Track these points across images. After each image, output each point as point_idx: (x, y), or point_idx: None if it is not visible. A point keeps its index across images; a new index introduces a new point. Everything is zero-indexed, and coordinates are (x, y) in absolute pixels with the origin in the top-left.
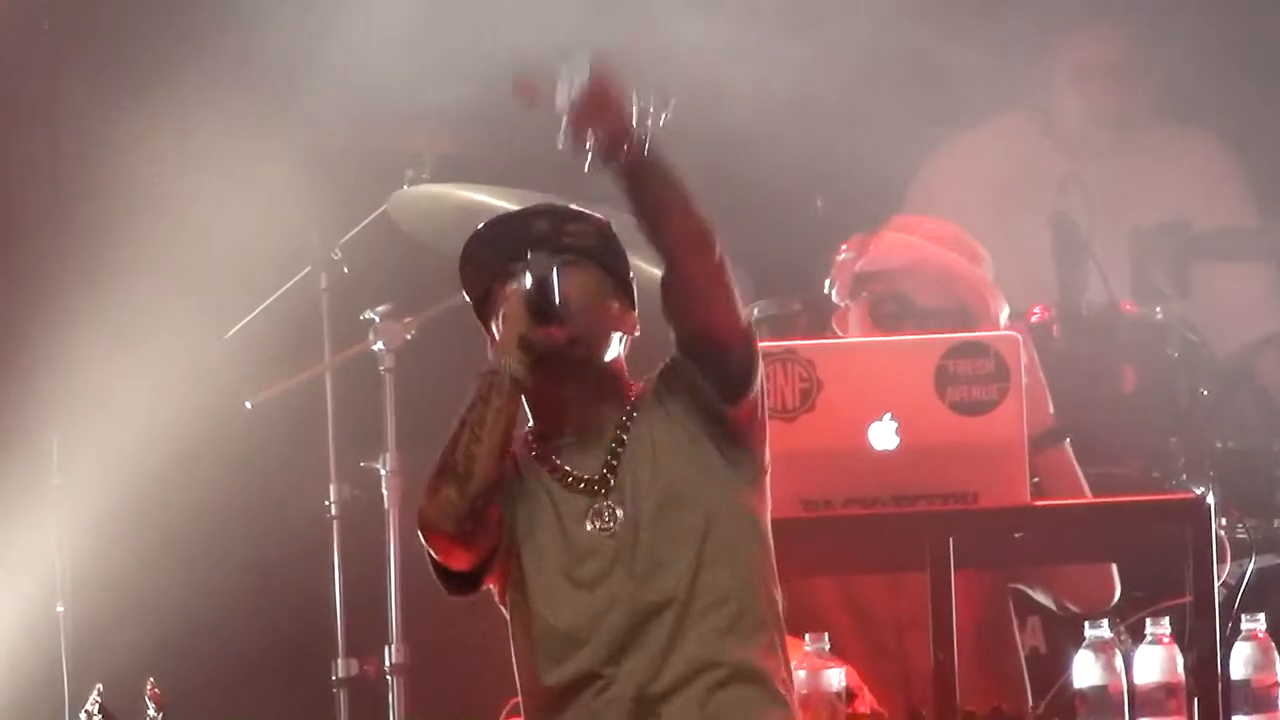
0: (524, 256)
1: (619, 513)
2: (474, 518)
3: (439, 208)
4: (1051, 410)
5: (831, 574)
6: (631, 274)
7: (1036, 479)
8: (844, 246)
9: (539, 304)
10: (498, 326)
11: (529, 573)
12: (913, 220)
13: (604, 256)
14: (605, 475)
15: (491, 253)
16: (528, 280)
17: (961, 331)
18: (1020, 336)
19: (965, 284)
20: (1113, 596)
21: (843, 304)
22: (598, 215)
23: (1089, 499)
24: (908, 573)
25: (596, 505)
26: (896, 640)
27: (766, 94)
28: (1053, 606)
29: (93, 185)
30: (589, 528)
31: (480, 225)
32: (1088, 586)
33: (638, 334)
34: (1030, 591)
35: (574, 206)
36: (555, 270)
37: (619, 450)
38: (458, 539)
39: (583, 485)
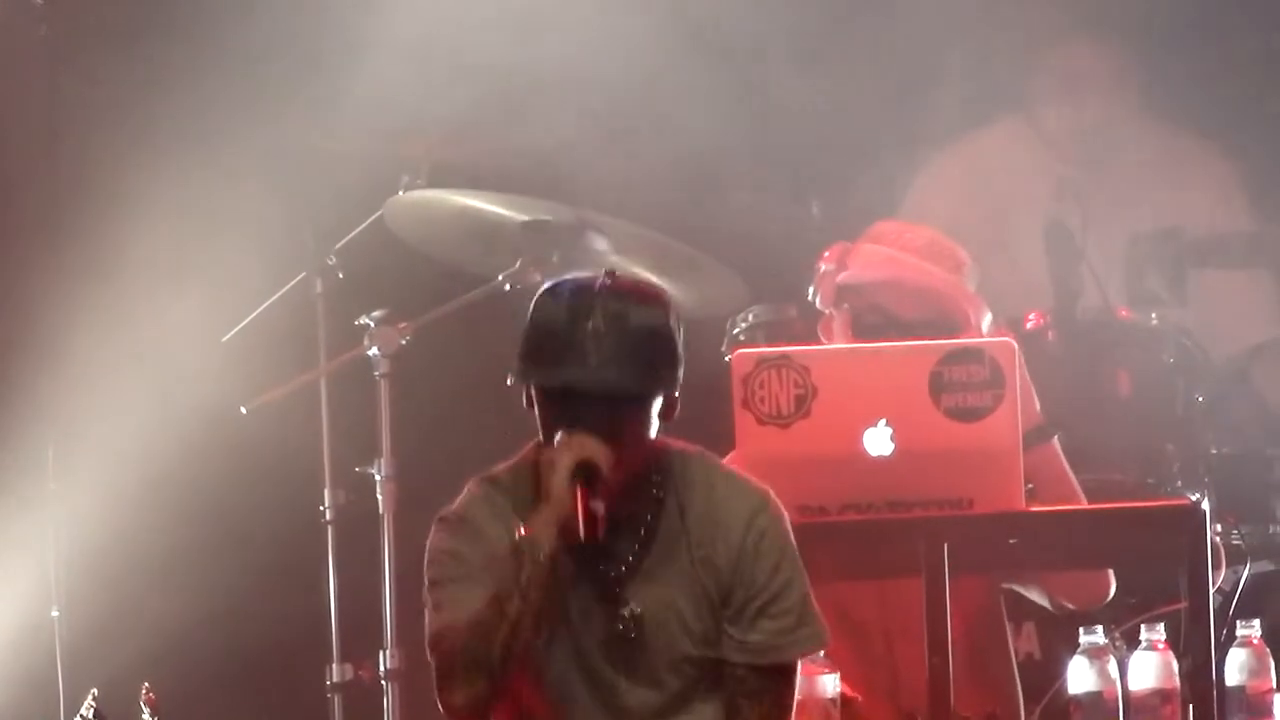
0: (575, 414)
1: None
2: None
3: (434, 213)
4: (1038, 408)
5: (827, 580)
6: (679, 357)
7: (1030, 485)
8: (825, 255)
9: (585, 516)
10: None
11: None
12: (892, 228)
13: (658, 377)
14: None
15: (547, 376)
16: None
17: (952, 338)
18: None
19: (943, 297)
20: (1107, 594)
21: (826, 311)
22: (658, 303)
23: (1082, 504)
24: (897, 581)
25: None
26: (886, 649)
27: (762, 98)
28: (1047, 605)
29: (90, 189)
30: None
31: (544, 319)
32: (1082, 584)
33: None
34: (1024, 591)
35: (636, 296)
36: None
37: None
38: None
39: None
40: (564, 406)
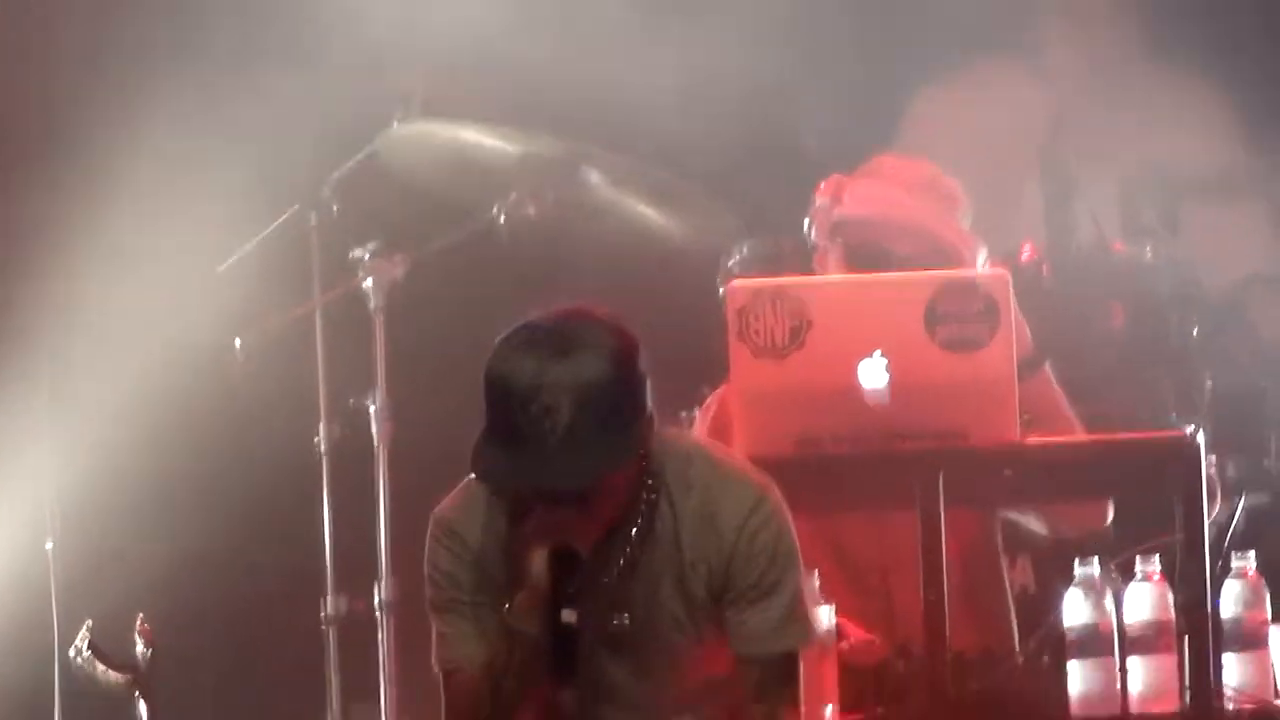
0: (542, 496)
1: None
2: None
3: (429, 146)
4: (1029, 340)
5: (821, 513)
6: (648, 399)
7: (1027, 416)
8: (820, 189)
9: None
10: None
11: None
12: (890, 163)
13: (625, 440)
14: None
15: (506, 480)
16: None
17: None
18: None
19: (937, 236)
20: (1104, 520)
21: (821, 246)
22: (610, 349)
23: (1080, 435)
24: (892, 514)
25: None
26: (881, 581)
27: (752, 31)
28: (1045, 533)
29: (85, 121)
30: None
31: (498, 392)
32: (1080, 511)
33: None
34: (1022, 519)
35: (587, 349)
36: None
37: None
38: None
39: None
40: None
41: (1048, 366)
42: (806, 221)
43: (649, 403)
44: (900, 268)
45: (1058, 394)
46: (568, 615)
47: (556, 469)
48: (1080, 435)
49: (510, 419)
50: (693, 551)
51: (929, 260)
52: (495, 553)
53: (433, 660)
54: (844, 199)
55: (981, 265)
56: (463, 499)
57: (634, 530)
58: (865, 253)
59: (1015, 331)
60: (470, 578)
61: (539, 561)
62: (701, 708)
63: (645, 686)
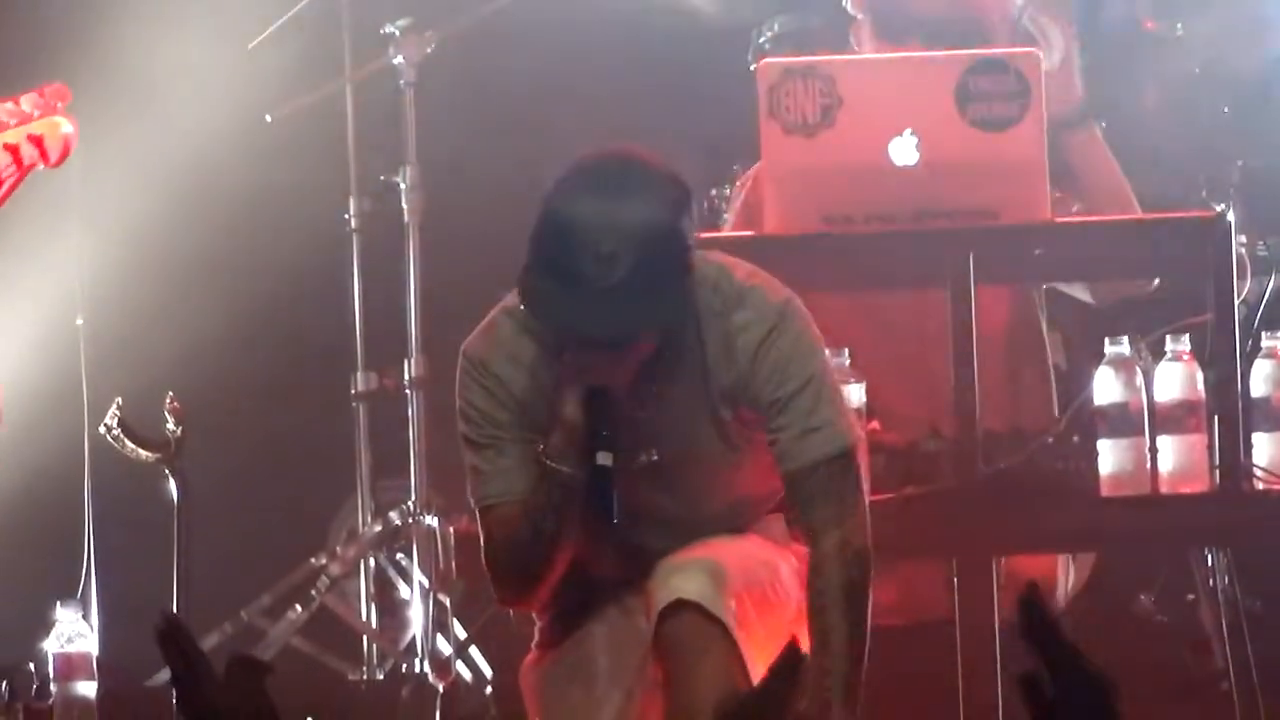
0: (587, 341)
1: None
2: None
3: None
4: (1080, 91)
5: (851, 289)
6: (689, 246)
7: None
8: None
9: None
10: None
11: None
12: None
13: (670, 292)
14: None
15: (550, 315)
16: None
17: (973, 39)
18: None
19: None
20: (1150, 284)
21: (858, 15)
22: (664, 216)
23: (1126, 193)
24: (931, 287)
25: None
26: (920, 351)
27: None
28: (1088, 298)
29: None
30: None
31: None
32: None
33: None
34: (1066, 287)
35: (643, 189)
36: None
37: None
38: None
39: None
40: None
41: (1097, 129)
42: None
43: (692, 254)
44: (930, 33)
45: (1107, 153)
46: (602, 458)
47: (609, 315)
48: (1131, 203)
49: (567, 259)
50: (718, 377)
51: (961, 20)
52: (531, 391)
53: (469, 495)
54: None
55: (1023, 19)
56: (495, 335)
57: (664, 358)
58: (896, 21)
59: (1066, 82)
60: (507, 414)
61: (573, 401)
62: (746, 519)
63: (685, 513)
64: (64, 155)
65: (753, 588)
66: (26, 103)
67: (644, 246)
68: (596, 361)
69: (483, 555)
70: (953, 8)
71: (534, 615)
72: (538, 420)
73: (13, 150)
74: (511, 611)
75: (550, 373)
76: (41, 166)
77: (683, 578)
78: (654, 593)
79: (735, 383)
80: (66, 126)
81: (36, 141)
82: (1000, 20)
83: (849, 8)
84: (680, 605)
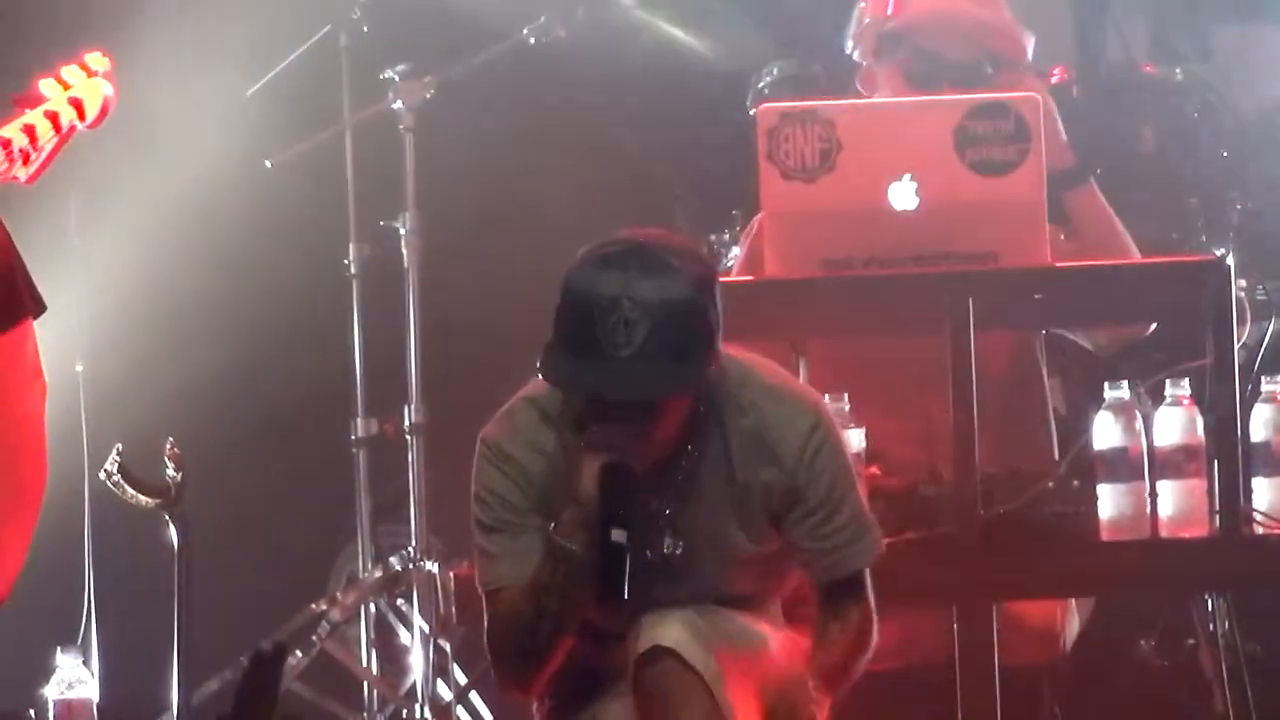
0: (605, 410)
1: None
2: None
3: None
4: (1070, 151)
5: (850, 333)
6: (715, 330)
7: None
8: (863, 4)
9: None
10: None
11: None
12: None
13: (694, 365)
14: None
15: (575, 381)
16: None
17: (992, 82)
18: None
19: (994, 33)
20: (1146, 329)
21: (866, 63)
22: (691, 273)
23: (1127, 246)
24: (929, 333)
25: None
26: (920, 398)
27: None
28: (1087, 344)
29: None
30: None
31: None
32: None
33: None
34: (1064, 331)
35: (667, 270)
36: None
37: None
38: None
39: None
40: (594, 402)
41: (1094, 184)
42: (849, 41)
43: (719, 333)
44: (957, 76)
45: (1105, 207)
46: (617, 535)
47: (627, 379)
48: (1131, 251)
49: (587, 328)
50: (744, 474)
51: (985, 63)
52: (548, 478)
53: (477, 582)
54: (899, 8)
55: (1030, 52)
56: (512, 421)
57: (684, 460)
58: (920, 66)
59: (1056, 144)
60: (523, 500)
61: (589, 479)
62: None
63: (696, 602)
64: (102, 115)
65: (738, 650)
66: (68, 74)
67: (664, 313)
68: (616, 437)
69: (485, 640)
70: (980, 49)
71: (534, 707)
72: (553, 510)
73: (52, 117)
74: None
75: (568, 462)
76: (80, 125)
77: (662, 626)
78: (632, 642)
79: (776, 480)
80: (107, 88)
81: (76, 104)
82: (1022, 54)
83: (856, 56)
84: (658, 652)
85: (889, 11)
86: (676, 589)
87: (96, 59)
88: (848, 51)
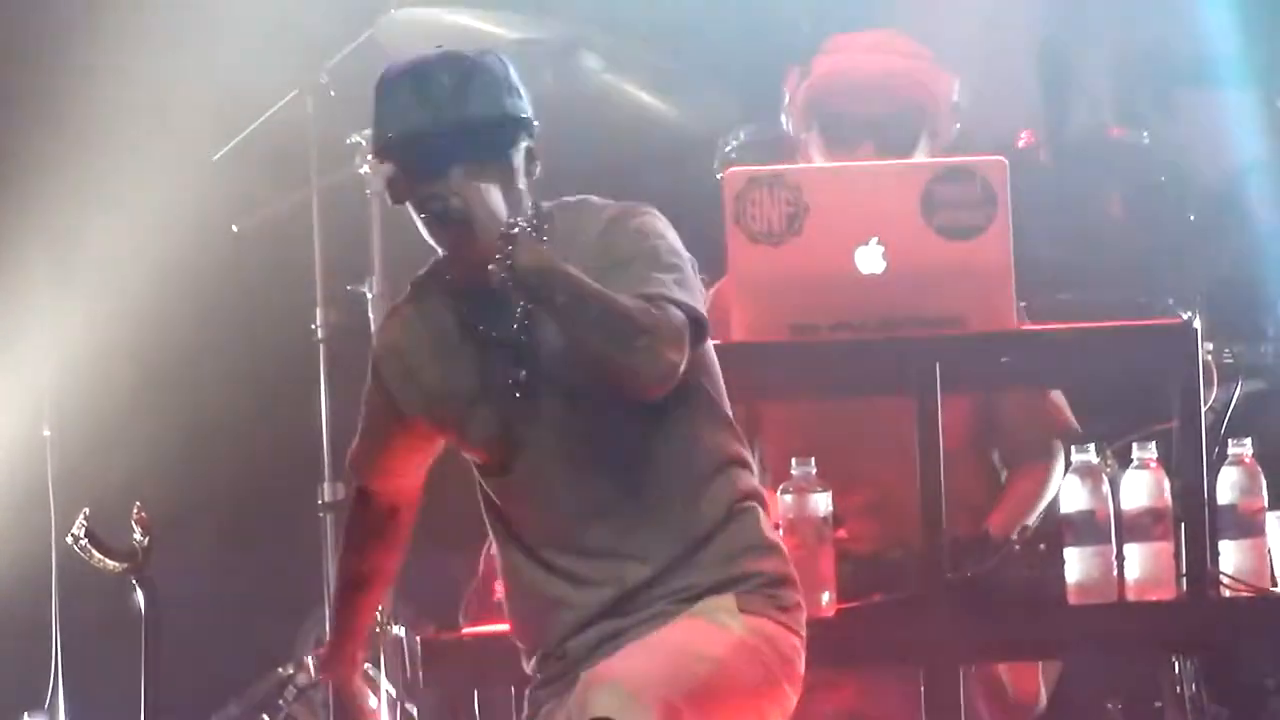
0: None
1: None
2: None
3: (427, 31)
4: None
5: (817, 397)
6: (528, 111)
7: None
8: (785, 82)
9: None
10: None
11: None
12: (843, 36)
13: (505, 130)
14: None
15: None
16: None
17: (921, 127)
18: (1005, 162)
19: (907, 79)
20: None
21: (801, 138)
22: (485, 62)
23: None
24: (888, 399)
25: None
26: (873, 465)
27: None
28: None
29: (83, 6)
30: None
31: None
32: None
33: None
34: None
35: (465, 70)
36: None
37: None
38: None
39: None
40: (429, 155)
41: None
42: (783, 117)
43: (531, 116)
44: (878, 132)
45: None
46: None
47: (451, 104)
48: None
49: (401, 94)
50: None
51: (905, 115)
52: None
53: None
54: (809, 74)
55: (956, 96)
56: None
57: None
58: (841, 131)
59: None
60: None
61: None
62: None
63: (611, 492)
64: None
65: (687, 686)
66: None
67: (468, 65)
68: (454, 237)
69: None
70: (898, 101)
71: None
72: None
73: None
74: None
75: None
76: None
77: (597, 692)
78: (573, 712)
79: (588, 249)
80: None
81: None
82: (944, 99)
83: (790, 129)
84: None
85: (800, 82)
86: (545, 435)
87: None
88: (783, 127)
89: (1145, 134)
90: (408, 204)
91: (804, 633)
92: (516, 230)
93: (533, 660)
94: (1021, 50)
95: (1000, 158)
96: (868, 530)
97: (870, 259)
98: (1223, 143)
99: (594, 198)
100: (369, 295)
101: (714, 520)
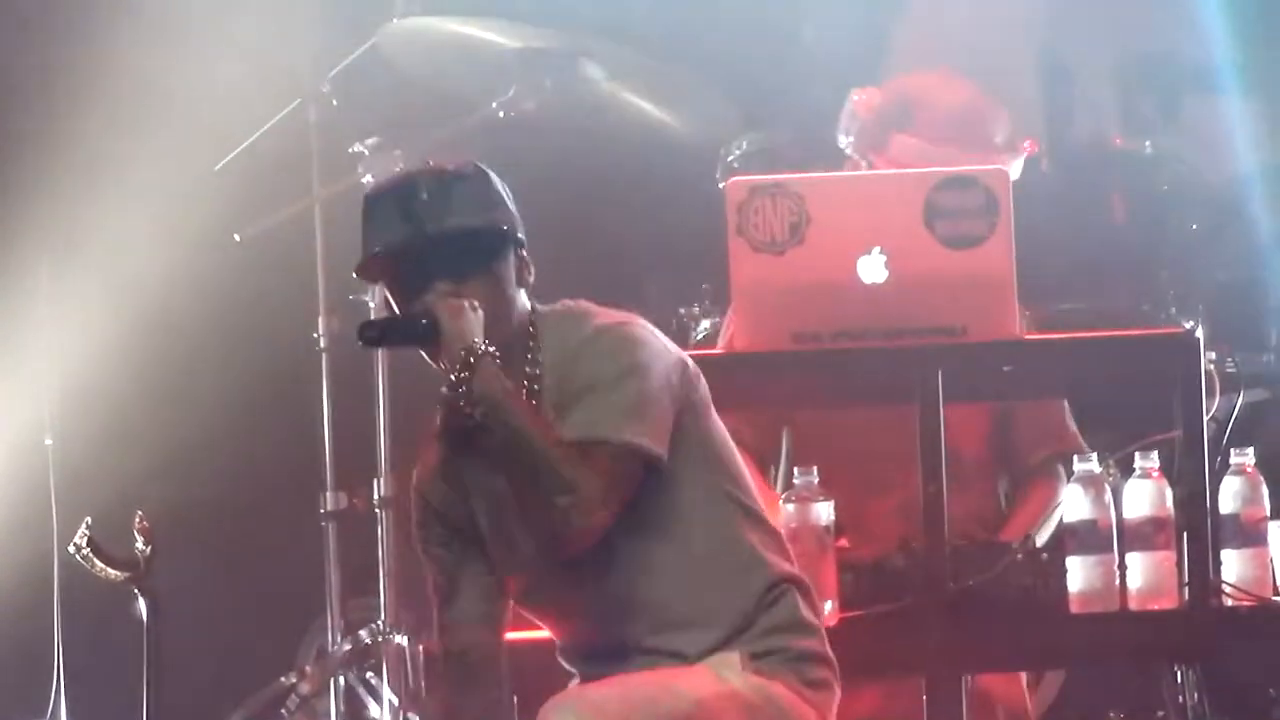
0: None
1: None
2: None
3: (429, 40)
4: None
5: (820, 406)
6: (514, 221)
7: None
8: (860, 101)
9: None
10: None
11: None
12: (926, 95)
13: (488, 242)
14: None
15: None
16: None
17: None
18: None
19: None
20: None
21: (853, 161)
22: (466, 174)
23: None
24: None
25: None
26: (901, 473)
27: None
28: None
29: (84, 15)
30: None
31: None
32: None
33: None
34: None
35: (446, 184)
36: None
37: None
38: None
39: None
40: (412, 271)
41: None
42: (842, 127)
43: (517, 226)
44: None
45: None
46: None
47: (434, 219)
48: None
49: (385, 208)
50: (552, 396)
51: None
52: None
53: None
54: (885, 150)
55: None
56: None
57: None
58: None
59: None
60: (445, 525)
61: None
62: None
63: (593, 598)
64: None
65: (649, 716)
66: None
67: (446, 180)
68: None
69: None
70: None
71: None
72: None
73: None
74: None
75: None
76: None
77: (552, 713)
78: None
79: (564, 378)
80: None
81: None
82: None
83: (849, 150)
84: None
85: (880, 142)
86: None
87: None
88: (841, 143)
89: (1147, 143)
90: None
91: (831, 718)
92: (479, 355)
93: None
94: (1023, 59)
95: (1002, 167)
96: (895, 530)
97: (872, 268)
98: (1225, 151)
99: (590, 306)
100: (371, 304)
101: (743, 613)
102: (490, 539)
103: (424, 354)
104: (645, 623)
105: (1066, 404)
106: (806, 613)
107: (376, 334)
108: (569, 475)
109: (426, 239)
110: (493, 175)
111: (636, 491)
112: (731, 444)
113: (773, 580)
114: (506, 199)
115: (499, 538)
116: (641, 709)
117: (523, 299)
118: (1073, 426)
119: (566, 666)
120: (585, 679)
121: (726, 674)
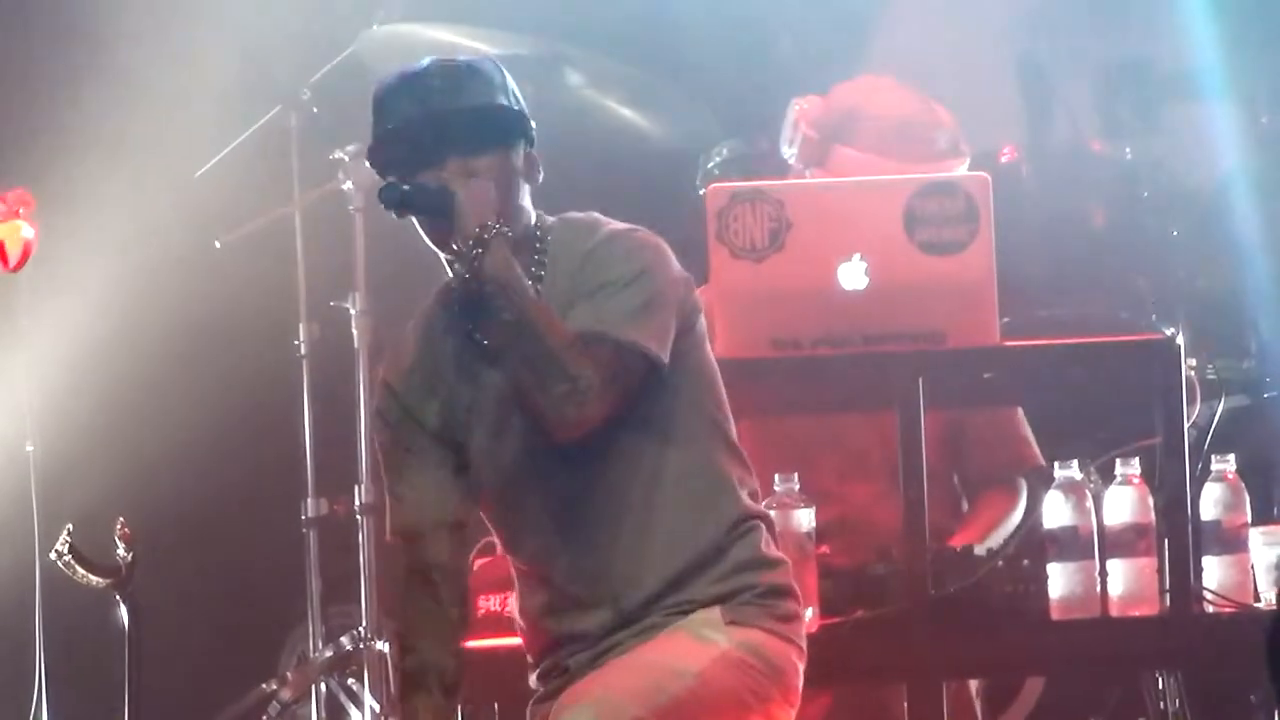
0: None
1: None
2: None
3: (409, 47)
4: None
5: (799, 412)
6: (525, 113)
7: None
8: (800, 110)
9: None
10: None
11: None
12: (866, 104)
13: (500, 123)
14: None
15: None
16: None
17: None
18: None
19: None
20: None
21: (797, 169)
22: (479, 64)
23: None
24: (851, 418)
25: None
26: (838, 485)
27: None
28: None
29: (65, 22)
30: None
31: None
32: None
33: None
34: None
35: (459, 69)
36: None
37: None
38: None
39: None
40: (425, 148)
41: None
42: (786, 140)
43: (529, 118)
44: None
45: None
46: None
47: (442, 95)
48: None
49: (395, 93)
50: (565, 296)
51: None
52: (427, 376)
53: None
54: (826, 162)
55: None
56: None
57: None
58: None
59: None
60: (410, 418)
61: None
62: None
63: (586, 490)
64: (24, 259)
65: (663, 704)
66: None
67: (468, 64)
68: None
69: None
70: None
71: None
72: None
73: None
74: None
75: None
76: (1, 269)
77: (570, 714)
78: None
79: (575, 277)
80: (28, 231)
81: None
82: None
83: (792, 161)
84: None
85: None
86: (535, 456)
87: (19, 196)
88: (784, 151)
89: (1127, 148)
90: (401, 206)
91: (803, 644)
92: (492, 233)
93: (536, 673)
94: (1002, 65)
95: (983, 174)
96: (835, 547)
97: (853, 275)
98: (1205, 156)
99: (601, 217)
100: (352, 311)
101: (713, 542)
102: (475, 436)
103: (429, 239)
104: (621, 543)
105: (1021, 411)
106: (769, 548)
107: (398, 196)
108: (569, 364)
109: (439, 115)
110: (505, 70)
111: (634, 392)
112: (721, 382)
113: (743, 514)
114: (518, 92)
115: (486, 434)
116: (654, 699)
117: (529, 201)
118: (1028, 433)
119: (520, 624)
120: (541, 651)
121: (710, 634)
